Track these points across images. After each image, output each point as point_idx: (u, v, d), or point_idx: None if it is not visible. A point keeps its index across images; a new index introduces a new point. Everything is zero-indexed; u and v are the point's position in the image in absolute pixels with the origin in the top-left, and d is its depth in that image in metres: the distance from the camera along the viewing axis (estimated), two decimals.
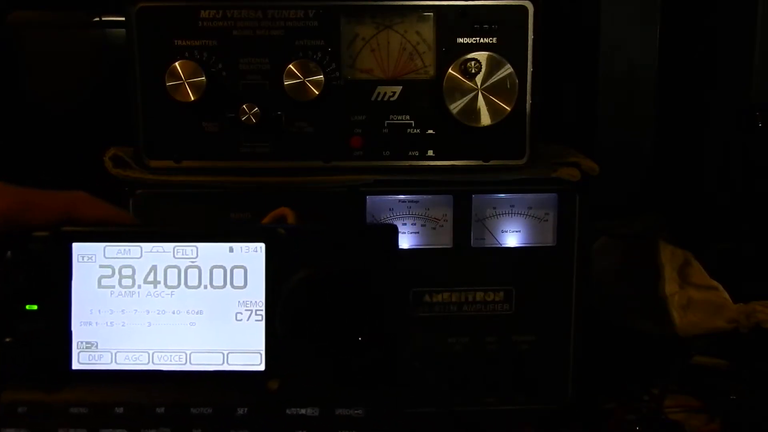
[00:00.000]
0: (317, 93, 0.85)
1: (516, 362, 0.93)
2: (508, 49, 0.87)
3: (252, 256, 0.63)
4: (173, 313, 0.63)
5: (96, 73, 1.17)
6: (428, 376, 0.92)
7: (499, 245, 0.92)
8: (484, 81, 0.86)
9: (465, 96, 0.86)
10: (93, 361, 0.63)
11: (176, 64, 0.85)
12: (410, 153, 0.89)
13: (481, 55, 0.86)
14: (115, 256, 0.63)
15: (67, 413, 0.62)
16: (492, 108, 0.86)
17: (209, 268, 0.63)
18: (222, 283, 0.63)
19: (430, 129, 0.89)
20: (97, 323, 0.63)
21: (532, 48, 0.87)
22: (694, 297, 1.04)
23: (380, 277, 0.63)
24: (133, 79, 0.87)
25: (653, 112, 1.18)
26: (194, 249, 0.63)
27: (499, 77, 0.86)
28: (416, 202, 0.91)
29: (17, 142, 1.15)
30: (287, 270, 0.62)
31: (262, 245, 0.63)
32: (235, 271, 0.63)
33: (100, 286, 0.63)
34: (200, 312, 0.63)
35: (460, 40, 0.87)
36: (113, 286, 0.63)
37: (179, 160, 0.89)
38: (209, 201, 0.89)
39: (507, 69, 0.86)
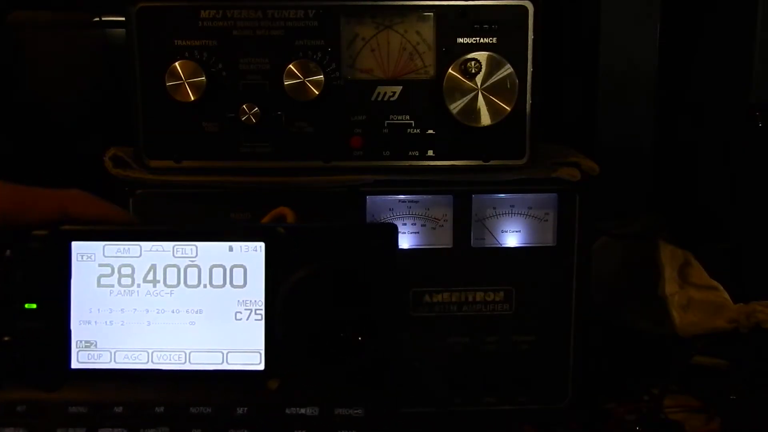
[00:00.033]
0: (317, 93, 0.85)
1: (516, 362, 0.93)
2: (508, 49, 0.87)
3: (252, 255, 0.63)
4: (173, 312, 0.63)
5: (96, 73, 1.17)
6: (428, 376, 0.92)
7: (499, 245, 0.92)
8: (484, 81, 0.86)
9: (465, 96, 0.86)
10: (92, 360, 0.63)
11: (176, 64, 0.85)
12: (410, 153, 0.89)
13: (481, 55, 0.86)
14: (115, 254, 0.63)
15: (65, 412, 0.61)
16: (492, 108, 0.86)
17: (209, 267, 0.63)
18: (221, 283, 0.63)
19: (430, 129, 0.89)
20: (96, 322, 0.63)
21: (532, 48, 0.87)
22: (694, 297, 1.04)
23: (380, 275, 0.62)
24: (133, 79, 0.87)
25: (653, 112, 1.18)
26: (194, 248, 0.63)
27: (499, 77, 0.86)
28: (416, 202, 0.91)
29: (17, 142, 1.15)
30: (287, 269, 0.62)
31: (262, 244, 0.63)
32: (234, 270, 0.63)
33: (99, 285, 0.63)
34: (200, 311, 0.63)
35: (460, 40, 0.87)
36: (112, 285, 0.63)
37: (179, 160, 0.89)
38: (209, 201, 0.89)
39: (507, 69, 0.86)
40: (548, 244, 0.92)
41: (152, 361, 0.63)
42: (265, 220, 0.72)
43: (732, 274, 1.07)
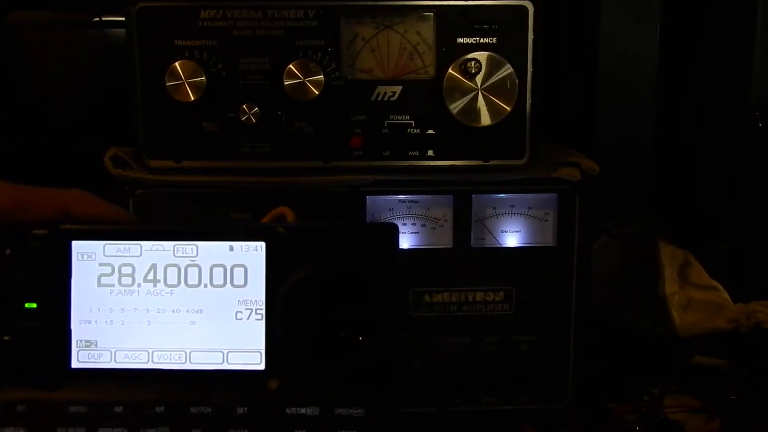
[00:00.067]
0: (317, 93, 0.85)
1: (516, 362, 0.93)
2: (508, 49, 0.86)
3: (252, 255, 0.63)
4: (173, 311, 0.63)
5: (96, 73, 1.17)
6: (428, 376, 0.92)
7: (499, 245, 0.92)
8: (484, 81, 0.86)
9: (465, 96, 0.86)
10: (92, 360, 0.63)
11: (176, 64, 0.85)
12: (410, 153, 0.89)
13: (481, 55, 0.86)
14: (115, 254, 0.63)
15: (66, 412, 0.61)
16: (492, 108, 0.86)
17: (209, 266, 0.63)
18: (222, 282, 0.63)
19: (430, 129, 0.89)
20: (96, 322, 0.63)
21: (532, 48, 0.87)
22: (694, 297, 1.03)
23: (381, 275, 0.63)
24: (133, 79, 0.87)
25: (653, 112, 1.18)
26: (194, 247, 0.63)
27: (499, 77, 0.86)
28: (416, 202, 0.91)
29: (17, 142, 1.15)
30: (287, 269, 0.62)
31: (263, 244, 0.63)
32: (235, 269, 0.63)
33: (99, 284, 0.63)
34: (200, 311, 0.63)
35: (460, 40, 0.87)
36: (113, 285, 0.63)
37: (179, 160, 0.89)
38: (209, 201, 0.89)
39: (507, 69, 0.86)
40: (548, 244, 0.92)
41: (152, 361, 0.63)
42: (265, 220, 0.72)
43: (732, 274, 1.07)
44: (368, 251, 0.63)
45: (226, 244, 0.63)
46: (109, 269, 0.63)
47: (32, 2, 1.15)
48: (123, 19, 0.86)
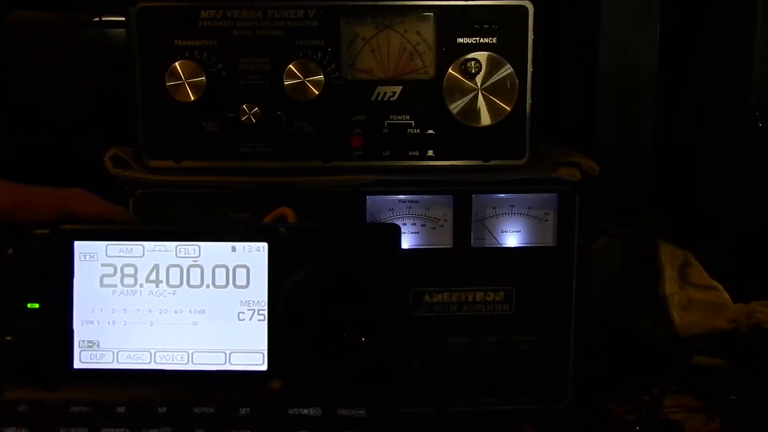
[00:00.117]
0: (317, 93, 0.85)
1: (516, 362, 0.93)
2: (508, 49, 0.87)
3: (255, 255, 0.63)
4: (175, 312, 0.63)
5: (96, 73, 1.17)
6: (428, 376, 0.92)
7: (499, 245, 0.92)
8: (484, 81, 0.86)
9: (465, 96, 0.86)
10: (94, 360, 0.63)
11: (176, 64, 0.85)
12: (410, 153, 0.89)
13: (481, 55, 0.86)
14: (117, 254, 0.63)
15: (68, 412, 0.61)
16: (492, 108, 0.86)
17: (211, 267, 0.63)
18: (224, 283, 0.63)
19: (430, 129, 0.89)
20: (98, 322, 0.63)
21: (532, 48, 0.87)
22: (694, 297, 1.03)
23: (383, 276, 0.62)
24: (133, 79, 0.87)
25: (653, 112, 1.18)
26: (197, 248, 0.63)
27: (499, 77, 0.86)
28: (416, 202, 0.91)
29: (17, 142, 1.15)
30: (290, 269, 0.62)
31: (265, 245, 0.63)
32: (237, 270, 0.63)
33: (101, 284, 0.63)
34: (202, 311, 0.63)
35: (460, 40, 0.87)
36: (115, 285, 0.63)
37: (179, 160, 0.89)
38: (209, 201, 0.89)
39: (507, 69, 0.86)
40: (548, 244, 0.92)
41: (155, 362, 0.63)
42: (266, 220, 0.72)
43: (732, 274, 1.07)
44: (370, 252, 0.63)
45: (229, 244, 0.63)
46: (111, 269, 0.63)
47: (32, 2, 1.15)
48: (123, 19, 0.86)
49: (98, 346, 0.63)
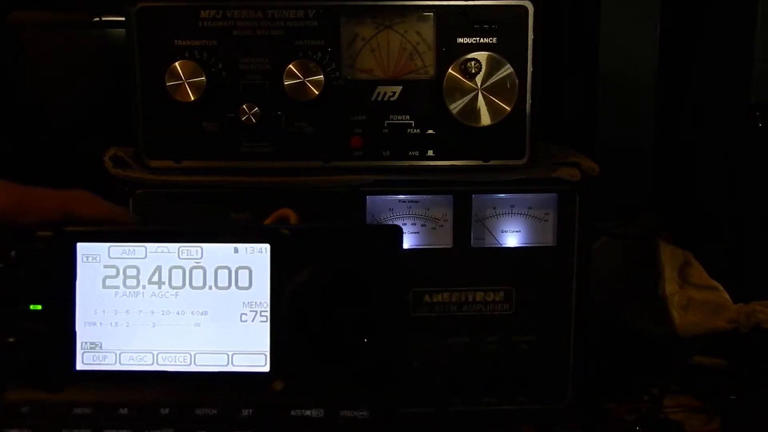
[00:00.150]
0: (317, 93, 0.85)
1: (516, 362, 0.93)
2: (508, 49, 0.86)
3: (257, 256, 0.63)
4: (178, 313, 0.63)
5: (96, 73, 1.17)
6: (428, 376, 0.92)
7: (499, 245, 0.92)
8: (484, 81, 0.86)
9: (465, 96, 0.86)
10: (97, 362, 0.63)
11: (176, 64, 0.85)
12: (410, 153, 0.89)
13: (481, 55, 0.86)
14: (120, 256, 0.63)
15: (70, 414, 0.61)
16: (492, 108, 0.86)
17: (214, 268, 0.63)
18: (227, 284, 0.63)
19: (430, 129, 0.88)
20: (101, 323, 0.63)
21: (532, 48, 0.87)
22: (694, 297, 1.03)
23: (385, 277, 0.63)
24: (133, 79, 0.87)
25: (653, 112, 1.18)
26: (199, 249, 0.63)
27: (499, 77, 0.86)
28: (416, 202, 0.90)
29: (17, 142, 1.15)
30: (292, 271, 0.62)
31: (267, 246, 0.63)
32: (240, 271, 0.63)
33: (104, 286, 0.63)
34: (205, 313, 0.63)
35: (460, 40, 0.87)
36: (118, 287, 0.63)
37: (179, 160, 0.89)
38: (209, 201, 0.89)
39: (507, 69, 0.86)
40: (548, 244, 0.92)
41: (157, 363, 0.63)
42: (268, 222, 0.72)
43: (732, 274, 1.07)
44: (372, 253, 0.63)
45: (231, 246, 0.63)
46: (114, 271, 0.63)
47: (32, 2, 1.15)
48: (123, 19, 0.86)
49: (101, 347, 0.63)
